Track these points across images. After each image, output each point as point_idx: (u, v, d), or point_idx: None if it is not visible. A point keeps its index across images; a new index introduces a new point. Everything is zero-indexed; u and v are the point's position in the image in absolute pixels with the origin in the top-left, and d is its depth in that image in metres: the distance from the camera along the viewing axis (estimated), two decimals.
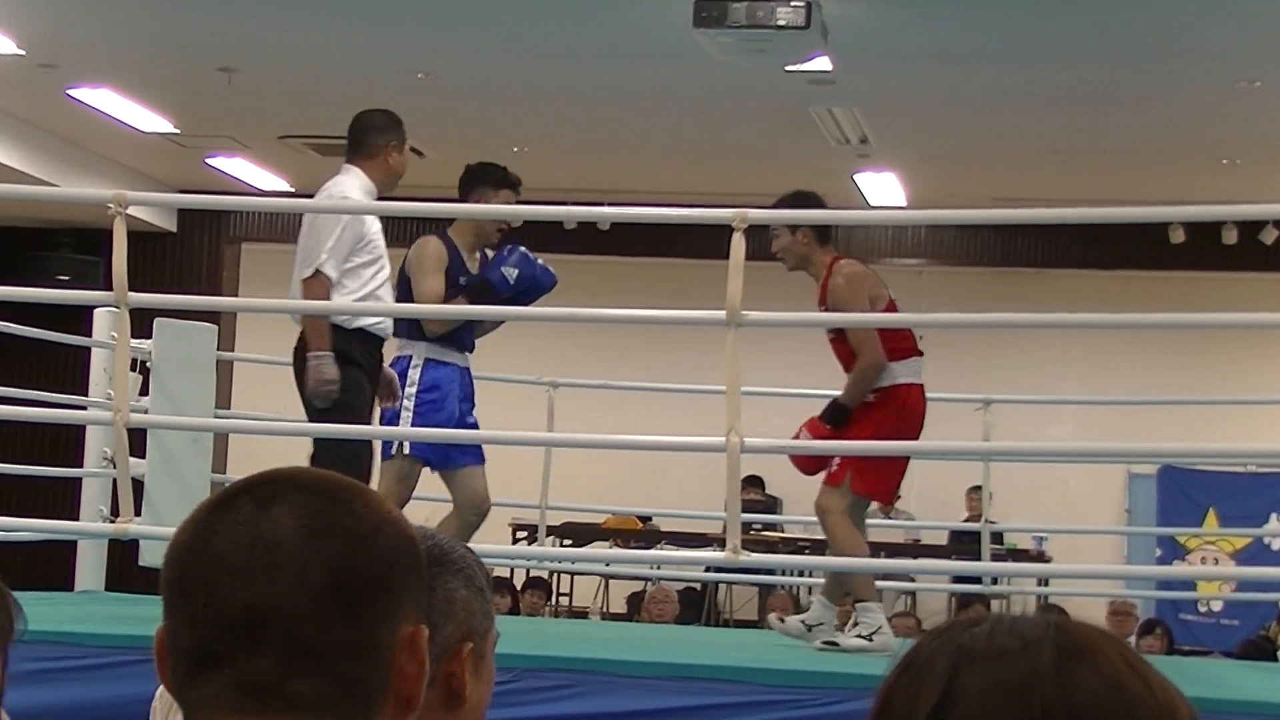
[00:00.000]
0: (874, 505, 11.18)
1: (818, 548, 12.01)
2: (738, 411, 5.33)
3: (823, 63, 9.46)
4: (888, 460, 6.26)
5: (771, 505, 13.09)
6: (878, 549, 10.43)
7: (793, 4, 7.96)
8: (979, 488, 10.30)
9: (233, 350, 12.41)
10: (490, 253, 6.78)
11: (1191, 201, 9.50)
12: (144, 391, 7.20)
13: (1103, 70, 9.97)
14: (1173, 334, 13.30)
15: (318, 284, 6.07)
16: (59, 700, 4.75)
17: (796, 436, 6.33)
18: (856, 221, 13.61)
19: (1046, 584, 11.57)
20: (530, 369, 8.72)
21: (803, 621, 6.35)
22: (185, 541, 1.36)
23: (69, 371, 10.26)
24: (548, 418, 8.11)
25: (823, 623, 6.28)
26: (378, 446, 6.47)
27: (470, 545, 2.14)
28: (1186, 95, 10.40)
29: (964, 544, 11.35)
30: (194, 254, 14.42)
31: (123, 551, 7.25)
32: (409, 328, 6.62)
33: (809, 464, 6.32)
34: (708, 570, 10.74)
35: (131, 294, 5.60)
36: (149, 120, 11.97)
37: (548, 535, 8.79)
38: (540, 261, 6.74)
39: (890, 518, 11.85)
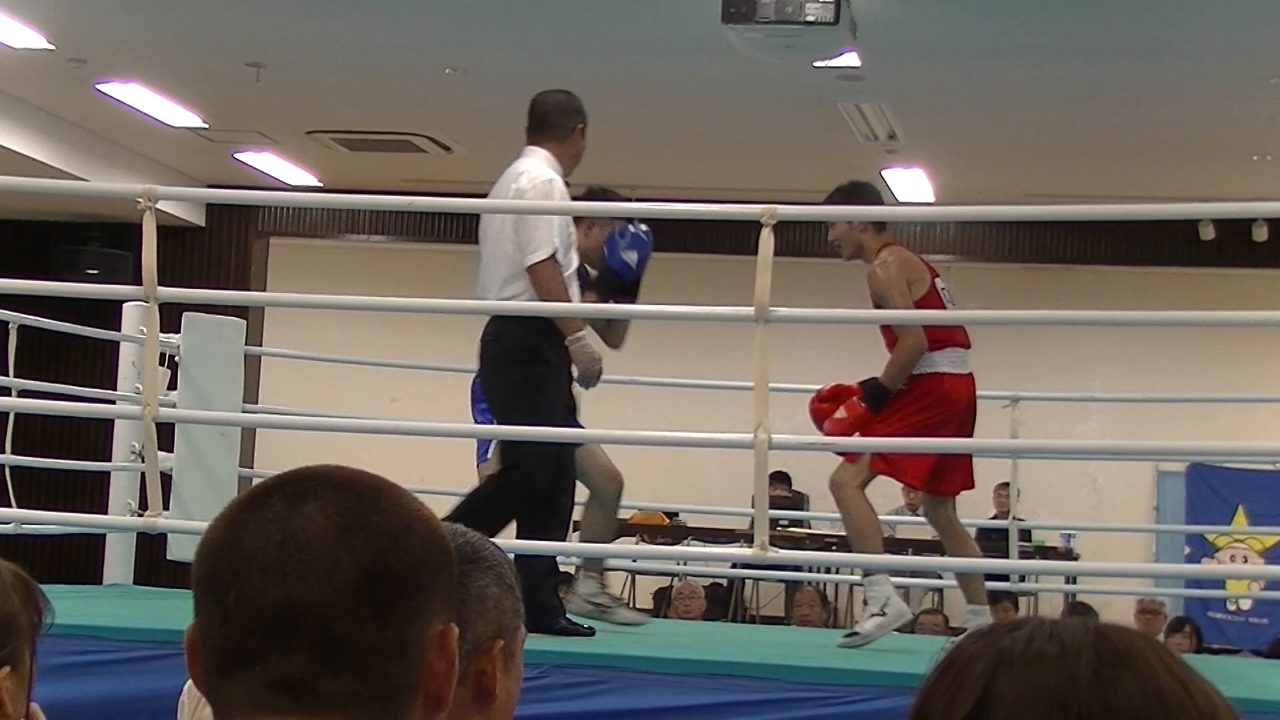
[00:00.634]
0: (901, 503, 11.26)
1: (845, 544, 11.99)
2: (766, 407, 5.33)
3: (851, 58, 9.44)
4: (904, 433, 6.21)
5: (798, 502, 13.07)
6: (905, 545, 10.41)
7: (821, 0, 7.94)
8: (1007, 485, 10.25)
9: (260, 345, 12.45)
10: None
11: (1222, 198, 9.48)
12: (172, 386, 7.22)
13: (1133, 66, 9.93)
14: (1202, 331, 13.24)
15: (552, 267, 5.78)
16: (88, 694, 4.76)
17: (824, 398, 6.27)
18: (886, 218, 13.53)
19: (1074, 582, 11.54)
20: None
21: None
22: (216, 539, 1.36)
23: (98, 366, 10.29)
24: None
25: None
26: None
27: (497, 542, 2.13)
28: (1217, 92, 10.35)
29: (992, 541, 11.30)
30: (222, 249, 14.44)
31: (151, 545, 7.28)
32: None
33: (839, 433, 6.25)
34: (734, 566, 10.74)
35: (161, 288, 5.61)
36: (178, 115, 11.99)
37: (573, 530, 8.78)
38: (644, 227, 6.39)
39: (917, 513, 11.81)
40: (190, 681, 1.42)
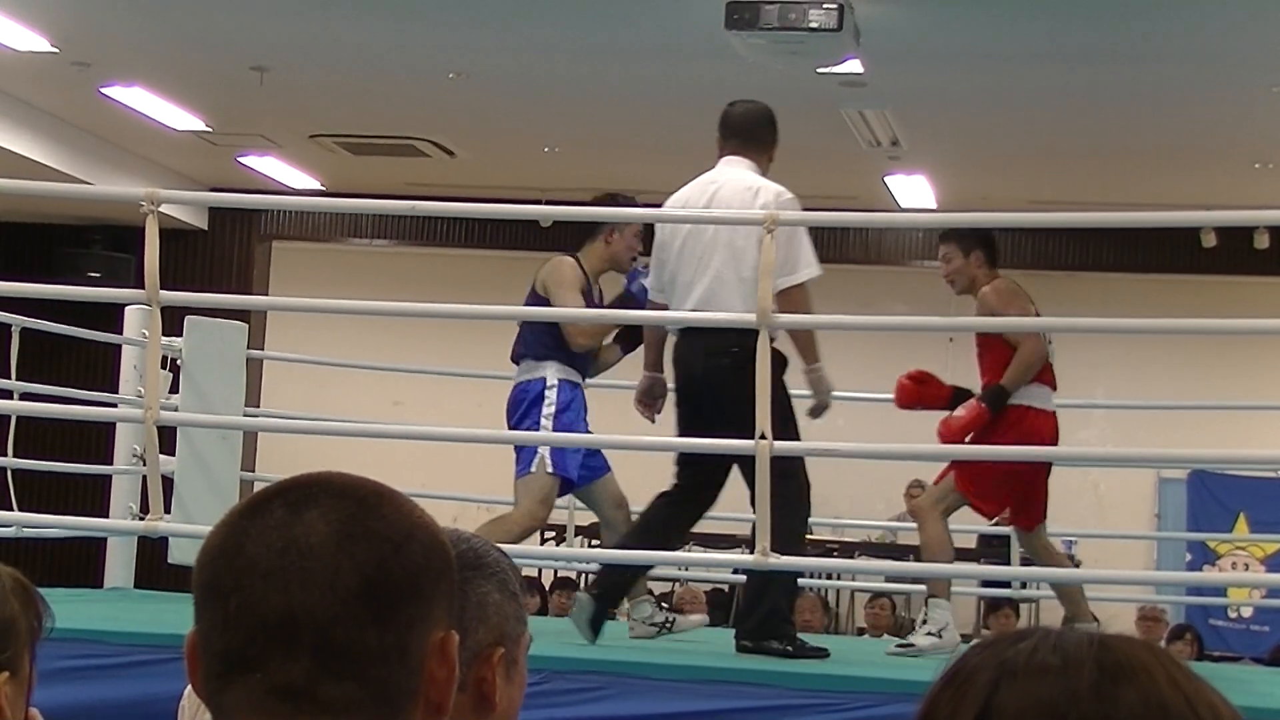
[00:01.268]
0: (903, 509, 11.25)
1: (846, 550, 11.98)
2: (768, 414, 5.33)
3: (854, 65, 9.44)
4: (998, 471, 6.28)
5: None
6: (906, 552, 10.41)
7: (825, 6, 7.95)
8: None
9: (263, 348, 12.45)
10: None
11: (1224, 206, 9.47)
12: (174, 389, 7.22)
13: (1135, 74, 9.93)
14: (1203, 338, 13.24)
15: (810, 289, 5.79)
16: (88, 698, 4.76)
17: (914, 377, 6.44)
18: (890, 225, 13.57)
19: None
20: None
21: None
22: (217, 545, 1.36)
23: (100, 369, 10.29)
24: None
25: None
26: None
27: (501, 547, 2.12)
28: (1220, 99, 10.35)
29: (993, 548, 11.30)
30: (225, 252, 14.45)
31: (152, 549, 7.27)
32: (540, 348, 6.43)
33: (951, 436, 6.31)
34: (736, 572, 10.72)
35: (163, 292, 5.61)
36: (181, 118, 12.00)
37: (576, 535, 8.79)
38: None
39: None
40: (190, 687, 1.41)
